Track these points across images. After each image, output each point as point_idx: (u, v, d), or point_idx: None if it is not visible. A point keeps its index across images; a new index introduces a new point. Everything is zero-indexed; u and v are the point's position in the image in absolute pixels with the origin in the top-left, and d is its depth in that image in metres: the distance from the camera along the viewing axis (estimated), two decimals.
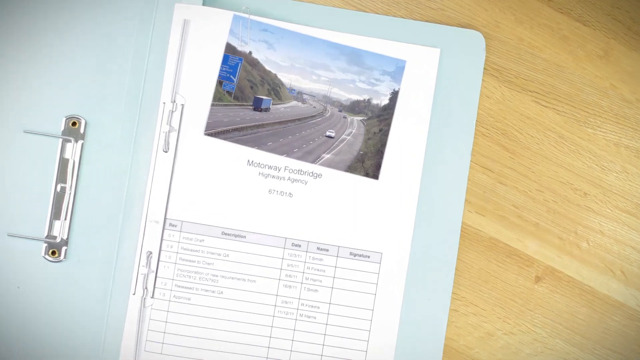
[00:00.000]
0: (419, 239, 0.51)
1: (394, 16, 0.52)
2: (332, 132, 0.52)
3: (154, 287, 0.50)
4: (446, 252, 0.51)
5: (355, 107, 0.51)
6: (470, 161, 0.51)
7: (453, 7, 0.51)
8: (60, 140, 0.51)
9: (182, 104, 0.50)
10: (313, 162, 0.51)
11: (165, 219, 0.50)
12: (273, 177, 0.51)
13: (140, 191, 0.50)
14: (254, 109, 0.50)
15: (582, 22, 0.52)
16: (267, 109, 0.50)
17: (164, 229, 0.50)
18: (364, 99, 0.51)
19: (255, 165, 0.51)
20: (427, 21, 0.52)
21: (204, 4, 0.51)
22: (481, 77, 0.51)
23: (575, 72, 0.52)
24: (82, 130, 0.50)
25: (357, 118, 0.51)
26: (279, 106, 0.52)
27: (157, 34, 0.51)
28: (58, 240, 0.50)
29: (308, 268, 0.51)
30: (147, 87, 0.50)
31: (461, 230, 0.51)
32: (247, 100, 0.52)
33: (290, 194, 0.51)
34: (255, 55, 0.52)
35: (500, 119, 0.52)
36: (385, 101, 0.51)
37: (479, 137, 0.52)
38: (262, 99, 0.50)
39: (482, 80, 0.51)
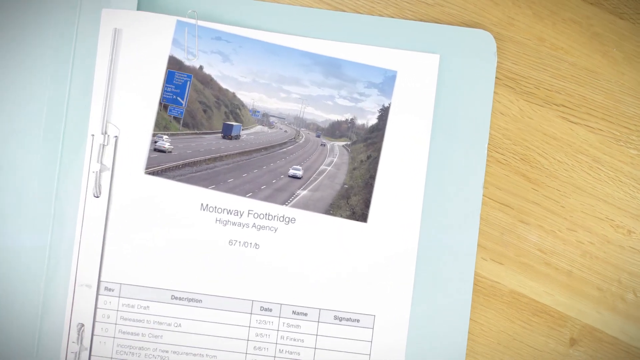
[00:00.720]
0: (422, 297, 0.46)
1: (381, 16, 0.47)
2: (299, 170, 0.47)
3: None
4: (456, 312, 0.46)
5: (335, 130, 0.47)
6: (483, 195, 0.46)
7: (454, 2, 0.47)
8: None
9: (116, 136, 0.45)
10: (284, 203, 0.46)
11: (99, 281, 0.45)
12: (234, 224, 0.45)
13: (67, 247, 0.45)
14: (223, 137, 0.46)
15: (618, 15, 0.48)
16: (237, 137, 0.47)
17: (98, 294, 0.45)
18: (347, 119, 0.46)
19: (212, 209, 0.45)
20: (422, 20, 0.47)
21: (139, 9, 0.45)
22: (493, 88, 0.46)
23: (611, 79, 0.47)
24: None
25: (339, 143, 0.47)
26: (240, 133, 0.47)
27: (81, 47, 0.45)
28: None
29: (282, 338, 0.45)
30: (70, 116, 0.45)
31: (474, 284, 0.46)
32: (199, 127, 0.47)
33: (256, 244, 0.45)
34: (207, 70, 0.46)
35: (519, 141, 0.47)
36: (372, 121, 0.46)
37: (492, 165, 0.47)
38: (232, 125, 0.46)
39: (494, 92, 0.47)
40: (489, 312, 0.46)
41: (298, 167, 0.46)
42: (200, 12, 0.45)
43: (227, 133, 0.46)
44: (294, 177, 0.46)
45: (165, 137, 0.44)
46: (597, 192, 0.47)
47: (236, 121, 0.46)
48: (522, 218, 0.46)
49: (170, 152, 0.44)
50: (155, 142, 0.44)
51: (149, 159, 0.44)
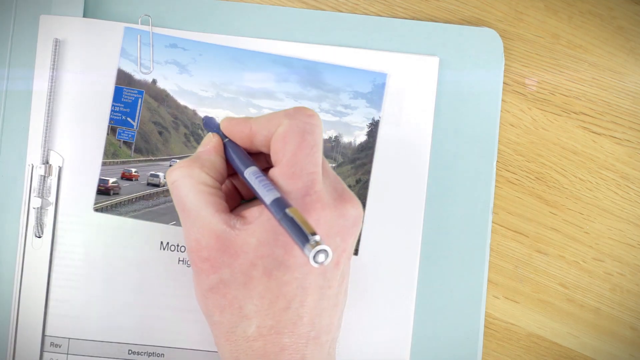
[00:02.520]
0: (421, 340, 0.43)
1: (366, 14, 0.44)
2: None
3: None
4: (464, 358, 0.43)
5: None
6: (493, 222, 0.43)
7: None
8: None
9: (59, 166, 0.41)
10: None
11: (43, 336, 0.41)
12: None
13: (5, 297, 0.41)
14: None
15: None
16: None
17: (42, 351, 0.41)
18: (330, 137, 0.43)
19: (174, 248, 0.42)
20: (415, 19, 0.44)
21: (85, 16, 0.42)
22: (500, 95, 0.44)
23: (639, 81, 0.45)
24: None
25: None
26: None
27: (16, 61, 0.42)
28: None
29: None
30: (4, 143, 0.42)
31: (485, 327, 0.43)
32: (154, 153, 0.42)
33: None
34: (162, 84, 0.42)
35: (533, 157, 0.44)
36: (361, 137, 0.43)
37: (503, 185, 0.44)
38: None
39: (502, 100, 0.44)
40: (504, 358, 0.43)
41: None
42: (155, 17, 0.41)
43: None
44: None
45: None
46: (626, 214, 0.44)
47: (198, 143, 0.41)
48: (540, 247, 0.44)
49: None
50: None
51: (100, 191, 0.40)
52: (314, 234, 0.27)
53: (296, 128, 0.31)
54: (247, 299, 0.31)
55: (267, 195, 0.30)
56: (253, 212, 0.31)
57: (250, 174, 0.32)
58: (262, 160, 0.35)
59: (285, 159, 0.31)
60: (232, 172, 0.35)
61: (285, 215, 0.28)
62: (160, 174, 0.41)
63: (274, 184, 0.31)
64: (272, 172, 0.32)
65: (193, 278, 0.33)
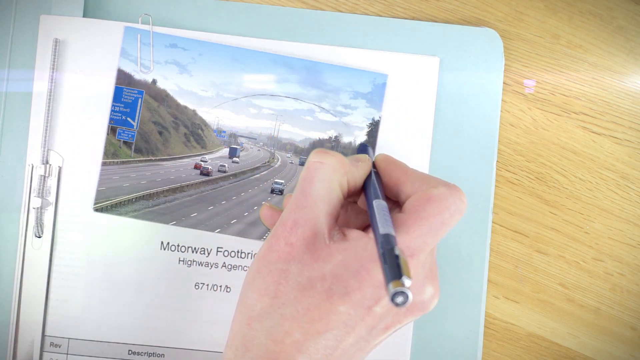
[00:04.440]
0: (422, 340, 0.43)
1: (366, 14, 0.44)
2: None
3: None
4: (464, 358, 0.43)
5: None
6: (492, 222, 0.44)
7: None
8: None
9: (59, 166, 0.42)
10: (260, 237, 0.42)
11: (43, 336, 0.41)
12: (201, 264, 0.42)
13: (5, 297, 0.41)
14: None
15: None
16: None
17: (42, 351, 0.41)
18: (330, 137, 0.43)
19: (174, 248, 0.42)
20: (415, 19, 0.44)
21: (85, 16, 0.42)
22: (500, 95, 0.44)
23: (639, 81, 0.45)
24: None
25: None
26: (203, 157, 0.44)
27: (16, 61, 0.42)
28: None
29: None
30: (5, 143, 0.42)
31: (485, 327, 0.43)
32: (154, 153, 0.43)
33: (227, 287, 0.42)
34: (162, 84, 0.42)
35: (533, 157, 0.44)
36: (361, 138, 0.43)
37: (503, 185, 0.44)
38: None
39: (502, 100, 0.44)
40: (504, 358, 0.43)
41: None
42: (155, 16, 0.41)
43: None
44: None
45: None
46: (626, 214, 0.44)
47: (199, 144, 0.42)
48: (540, 247, 0.44)
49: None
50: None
51: (98, 192, 0.41)
52: (408, 277, 0.27)
53: (446, 200, 0.31)
54: (295, 302, 0.31)
55: (385, 228, 0.30)
56: (353, 234, 0.31)
57: (379, 205, 0.32)
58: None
59: (417, 215, 0.31)
60: (353, 199, 0.35)
61: (391, 251, 0.28)
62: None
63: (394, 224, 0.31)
64: (399, 217, 0.32)
65: (265, 245, 0.32)
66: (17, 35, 0.41)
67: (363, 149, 0.37)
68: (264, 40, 0.42)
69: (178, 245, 0.41)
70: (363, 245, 0.30)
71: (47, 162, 0.41)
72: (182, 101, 0.42)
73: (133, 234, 0.41)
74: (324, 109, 0.42)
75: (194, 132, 0.42)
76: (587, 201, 0.44)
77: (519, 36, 0.44)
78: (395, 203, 0.33)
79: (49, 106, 0.41)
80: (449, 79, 0.43)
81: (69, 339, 0.41)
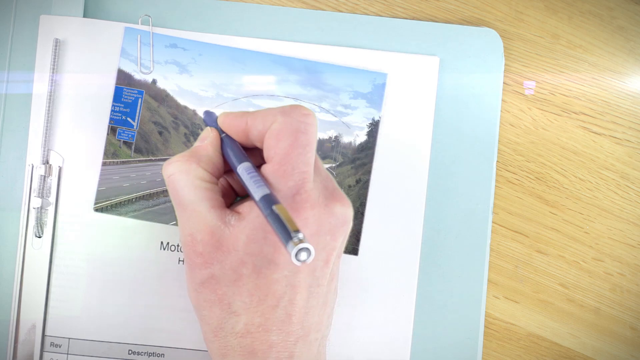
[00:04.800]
0: (422, 340, 0.43)
1: (366, 14, 0.44)
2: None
3: None
4: (464, 358, 0.43)
5: (317, 150, 0.44)
6: (492, 222, 0.44)
7: None
8: None
9: (60, 166, 0.42)
10: None
11: (43, 336, 0.41)
12: None
13: (5, 297, 0.41)
14: None
15: None
16: None
17: (42, 351, 0.41)
18: (330, 137, 0.43)
19: (174, 248, 0.42)
20: (415, 19, 0.44)
21: (85, 16, 0.42)
22: (500, 95, 0.44)
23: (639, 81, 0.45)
24: None
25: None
26: None
27: (16, 61, 0.42)
28: None
29: None
30: (5, 143, 0.42)
31: (485, 327, 0.44)
32: (154, 153, 0.43)
33: None
34: (162, 84, 0.42)
35: (533, 157, 0.44)
36: (361, 138, 0.43)
37: (503, 185, 0.44)
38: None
39: (502, 100, 0.44)
40: (504, 358, 0.44)
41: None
42: (155, 17, 0.41)
43: None
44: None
45: None
46: (626, 214, 0.44)
47: None
48: (540, 247, 0.44)
49: None
50: None
51: (98, 192, 0.41)
52: (297, 231, 0.27)
53: (290, 126, 0.32)
54: (236, 296, 0.31)
55: (257, 192, 0.30)
56: (245, 208, 0.32)
57: (243, 170, 0.32)
58: (259, 156, 0.35)
59: (277, 157, 0.32)
60: (229, 168, 0.35)
61: (272, 212, 0.28)
62: None
63: (265, 181, 0.31)
64: (264, 168, 0.32)
65: (185, 271, 0.33)
66: (17, 36, 0.41)
67: (207, 117, 0.37)
68: (264, 40, 0.42)
69: (178, 245, 0.41)
70: (256, 213, 0.31)
71: (47, 162, 0.41)
72: (182, 101, 0.42)
73: (133, 234, 0.41)
74: (324, 109, 0.43)
75: (194, 132, 0.42)
76: (587, 201, 0.44)
77: (519, 36, 0.44)
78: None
79: (49, 106, 0.41)
80: (449, 79, 0.43)
81: (69, 339, 0.41)
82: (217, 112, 0.42)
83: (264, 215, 0.29)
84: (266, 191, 0.30)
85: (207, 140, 0.34)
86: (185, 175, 0.32)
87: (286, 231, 0.27)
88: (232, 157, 0.33)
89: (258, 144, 0.33)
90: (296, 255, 0.27)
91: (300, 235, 0.27)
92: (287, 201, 0.31)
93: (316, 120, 0.33)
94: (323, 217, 0.32)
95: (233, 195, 0.37)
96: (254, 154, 0.35)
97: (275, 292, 0.31)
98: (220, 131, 0.35)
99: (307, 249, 0.27)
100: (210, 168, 0.33)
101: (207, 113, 0.38)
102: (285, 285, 0.31)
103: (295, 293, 0.31)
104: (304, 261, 0.27)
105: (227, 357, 0.32)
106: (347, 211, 0.33)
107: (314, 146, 0.32)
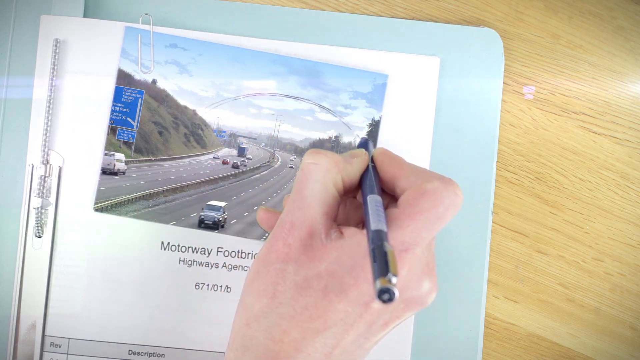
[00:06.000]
0: (422, 340, 0.43)
1: (366, 14, 0.44)
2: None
3: None
4: (464, 358, 0.43)
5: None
6: (493, 222, 0.44)
7: None
8: None
9: (60, 166, 0.42)
10: (260, 237, 0.42)
11: (43, 336, 0.41)
12: (201, 264, 0.42)
13: (5, 297, 0.41)
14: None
15: None
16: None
17: (42, 351, 0.41)
18: (330, 137, 0.43)
19: (174, 248, 0.42)
20: (415, 19, 0.44)
21: (85, 16, 0.42)
22: (500, 95, 0.44)
23: (639, 81, 0.45)
24: None
25: None
26: (203, 158, 0.43)
27: (17, 61, 0.42)
28: None
29: None
30: (5, 144, 0.42)
31: (485, 327, 0.43)
32: (154, 153, 0.43)
33: (227, 287, 0.42)
34: (162, 84, 0.42)
35: (533, 157, 0.44)
36: (361, 138, 0.43)
37: (503, 185, 0.44)
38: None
39: (502, 100, 0.44)
40: (504, 358, 0.43)
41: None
42: (155, 17, 0.41)
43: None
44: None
45: (117, 155, 0.41)
46: (626, 214, 0.44)
47: (199, 144, 0.42)
48: (540, 247, 0.44)
49: (124, 173, 0.41)
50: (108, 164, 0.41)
51: (99, 192, 0.41)
52: (395, 275, 0.27)
53: (441, 195, 0.31)
54: (292, 302, 0.31)
55: (377, 224, 0.30)
56: (350, 231, 0.31)
57: (373, 200, 0.32)
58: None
59: (410, 209, 0.31)
60: (353, 195, 0.35)
61: (380, 248, 0.28)
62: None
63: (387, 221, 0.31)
64: (393, 211, 0.32)
65: (264, 246, 0.32)
66: (18, 36, 0.41)
67: (364, 142, 0.37)
68: (264, 40, 0.42)
69: (178, 245, 0.41)
70: (357, 241, 0.30)
71: (47, 162, 0.41)
72: (181, 101, 0.42)
73: (133, 234, 0.41)
74: (324, 108, 0.43)
75: (194, 132, 0.42)
76: (587, 201, 0.44)
77: (519, 36, 0.44)
78: (393, 198, 0.33)
79: (49, 106, 0.41)
80: (449, 79, 0.43)
81: (69, 339, 0.41)
82: (231, 116, 0.42)
83: (369, 247, 0.29)
84: (384, 228, 0.29)
85: (357, 159, 0.34)
86: (325, 172, 0.32)
87: (385, 268, 0.27)
88: (368, 186, 0.33)
89: (395, 192, 0.33)
90: (379, 292, 0.26)
91: (395, 279, 0.26)
92: None
93: (461, 205, 0.32)
94: (410, 285, 0.31)
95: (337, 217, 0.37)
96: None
97: (328, 320, 0.30)
98: (371, 160, 0.35)
99: (392, 292, 0.26)
100: (347, 182, 0.33)
101: (364, 140, 0.38)
102: (341, 320, 0.31)
103: (345, 332, 0.31)
104: (384, 301, 0.26)
105: (249, 350, 0.31)
106: (432, 293, 0.32)
107: (444, 224, 0.32)
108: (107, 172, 0.41)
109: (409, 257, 0.30)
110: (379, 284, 0.26)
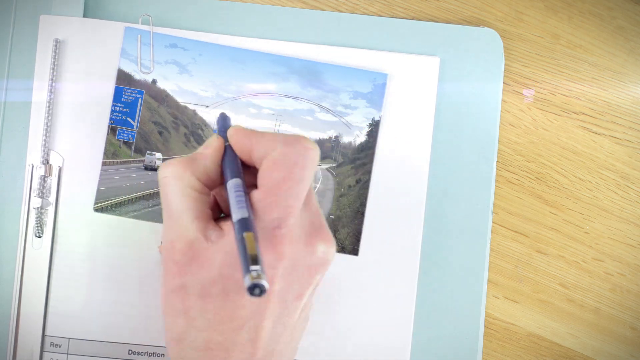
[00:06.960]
0: (422, 340, 0.43)
1: (366, 14, 0.44)
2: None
3: None
4: (464, 359, 0.43)
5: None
6: (492, 222, 0.44)
7: None
8: None
9: (60, 166, 0.42)
10: None
11: (43, 336, 0.42)
12: None
13: (5, 297, 0.42)
14: None
15: None
16: None
17: (42, 351, 0.42)
18: (330, 137, 0.44)
19: None
20: (415, 19, 0.44)
21: (85, 16, 0.43)
22: (500, 95, 0.44)
23: (639, 81, 0.45)
24: None
25: (322, 166, 0.44)
26: None
27: (16, 61, 0.42)
28: None
29: None
30: (5, 144, 0.42)
31: (485, 327, 0.44)
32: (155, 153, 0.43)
33: None
34: (161, 84, 0.43)
35: (533, 157, 0.44)
36: (361, 138, 0.44)
37: (503, 185, 0.44)
38: None
39: (502, 100, 0.44)
40: (504, 358, 0.44)
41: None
42: (155, 17, 0.42)
43: None
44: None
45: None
46: (626, 214, 0.44)
47: (198, 144, 0.42)
48: (540, 247, 0.44)
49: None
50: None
51: (98, 192, 0.41)
52: (256, 263, 0.26)
53: (288, 158, 0.31)
54: (202, 312, 0.31)
55: (236, 212, 0.29)
56: (228, 225, 0.31)
57: (232, 186, 0.31)
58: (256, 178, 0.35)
59: (267, 186, 0.31)
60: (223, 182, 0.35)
61: (242, 238, 0.28)
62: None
63: (250, 204, 0.31)
64: (254, 194, 0.32)
65: (161, 274, 0.33)
66: (17, 36, 0.42)
67: (221, 120, 0.36)
68: (264, 40, 0.42)
69: None
70: (233, 236, 0.30)
71: (47, 162, 0.41)
72: (181, 101, 0.42)
73: (133, 234, 0.41)
74: (324, 108, 0.43)
75: (194, 132, 0.42)
76: (587, 201, 0.44)
77: (519, 36, 0.44)
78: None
79: (49, 106, 0.41)
80: (449, 79, 0.43)
81: (69, 338, 0.41)
82: (231, 116, 0.42)
83: (236, 239, 0.29)
84: (245, 214, 0.29)
85: (210, 149, 0.34)
86: (177, 180, 0.32)
87: (246, 262, 0.27)
88: (227, 171, 0.33)
89: (258, 167, 0.33)
90: (249, 288, 0.26)
91: (258, 269, 0.26)
92: (267, 233, 0.30)
93: (318, 155, 0.32)
94: (301, 253, 0.31)
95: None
96: (253, 175, 0.34)
97: (241, 316, 0.31)
98: (226, 140, 0.34)
99: (262, 286, 0.26)
100: (204, 178, 0.33)
101: (223, 117, 0.37)
102: (252, 312, 0.31)
103: (262, 320, 0.31)
104: (256, 296, 0.26)
105: None
106: (328, 250, 0.32)
107: (308, 181, 0.31)
108: (148, 168, 0.42)
109: (283, 232, 0.30)
110: (247, 281, 0.26)
